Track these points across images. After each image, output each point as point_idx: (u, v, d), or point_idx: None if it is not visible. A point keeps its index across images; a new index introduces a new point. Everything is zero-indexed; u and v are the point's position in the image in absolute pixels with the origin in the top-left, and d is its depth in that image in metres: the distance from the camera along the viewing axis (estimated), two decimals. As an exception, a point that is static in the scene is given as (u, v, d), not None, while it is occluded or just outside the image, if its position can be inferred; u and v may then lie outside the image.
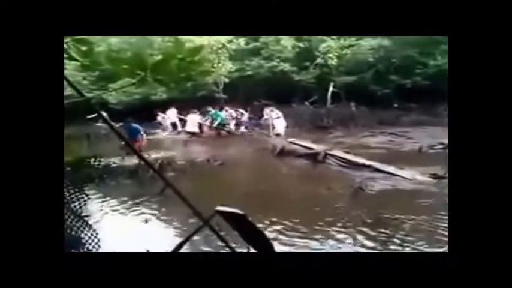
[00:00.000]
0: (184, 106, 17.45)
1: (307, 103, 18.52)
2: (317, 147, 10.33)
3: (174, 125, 17.97)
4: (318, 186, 7.70)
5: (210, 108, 16.93)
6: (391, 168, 8.06)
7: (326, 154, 9.71)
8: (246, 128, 16.58)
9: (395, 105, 18.15)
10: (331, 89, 18.19)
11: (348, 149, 10.87)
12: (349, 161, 9.04)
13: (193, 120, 16.19)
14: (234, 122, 16.83)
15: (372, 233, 4.77)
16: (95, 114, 17.14)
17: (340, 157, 9.42)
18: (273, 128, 14.56)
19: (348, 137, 13.75)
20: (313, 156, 9.86)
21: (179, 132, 17.38)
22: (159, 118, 18.54)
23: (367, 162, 8.58)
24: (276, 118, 14.92)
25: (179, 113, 17.93)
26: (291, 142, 11.37)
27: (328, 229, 4.95)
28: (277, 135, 14.19)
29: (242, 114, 16.93)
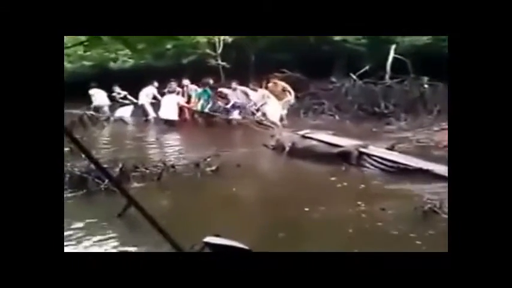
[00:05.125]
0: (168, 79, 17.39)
1: (354, 76, 18.04)
2: (345, 143, 10.42)
3: (142, 110, 17.97)
4: (362, 205, 7.33)
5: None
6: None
7: (361, 153, 9.81)
8: (239, 113, 16.46)
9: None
10: (392, 54, 17.82)
11: (418, 147, 10.95)
12: (396, 163, 9.12)
13: (171, 103, 16.44)
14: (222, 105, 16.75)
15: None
16: None
17: (382, 157, 9.47)
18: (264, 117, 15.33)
19: (416, 130, 13.76)
20: (342, 157, 9.92)
21: (147, 120, 17.70)
22: (115, 94, 19.18)
23: (425, 166, 8.65)
24: (262, 104, 15.53)
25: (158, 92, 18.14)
26: (304, 136, 11.28)
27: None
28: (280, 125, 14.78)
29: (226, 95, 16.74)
